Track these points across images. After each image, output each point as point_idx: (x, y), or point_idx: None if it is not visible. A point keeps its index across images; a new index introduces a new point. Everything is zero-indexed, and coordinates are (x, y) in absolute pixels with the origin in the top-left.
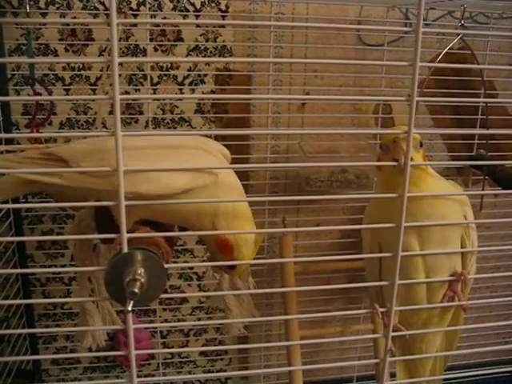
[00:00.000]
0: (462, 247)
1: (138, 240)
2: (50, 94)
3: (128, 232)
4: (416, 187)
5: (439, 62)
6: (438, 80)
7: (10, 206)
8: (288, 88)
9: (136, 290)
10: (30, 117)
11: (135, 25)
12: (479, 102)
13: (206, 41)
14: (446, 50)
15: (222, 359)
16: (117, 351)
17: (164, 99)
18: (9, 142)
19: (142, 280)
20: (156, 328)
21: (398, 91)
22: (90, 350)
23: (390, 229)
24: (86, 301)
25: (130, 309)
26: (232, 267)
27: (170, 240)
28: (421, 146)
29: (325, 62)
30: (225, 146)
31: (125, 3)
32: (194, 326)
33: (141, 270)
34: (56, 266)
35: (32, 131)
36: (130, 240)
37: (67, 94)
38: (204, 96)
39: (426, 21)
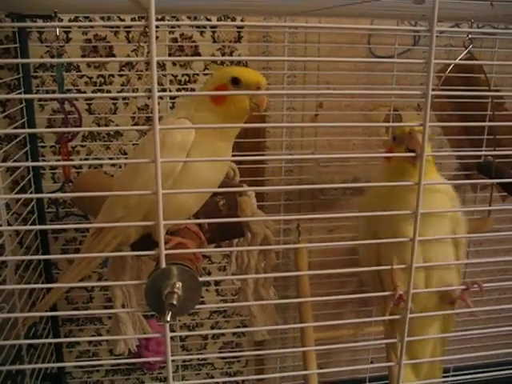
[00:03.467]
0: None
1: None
2: (77, 110)
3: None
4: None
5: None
6: (447, 89)
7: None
8: (302, 100)
9: (174, 302)
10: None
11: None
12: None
13: (223, 55)
14: (455, 61)
15: (238, 361)
16: (137, 354)
17: None
18: (34, 151)
19: (180, 293)
20: (175, 331)
21: (408, 101)
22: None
23: (387, 218)
24: (119, 309)
25: (168, 319)
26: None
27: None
28: None
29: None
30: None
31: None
32: (214, 331)
33: (178, 284)
34: None
35: (62, 146)
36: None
37: (89, 108)
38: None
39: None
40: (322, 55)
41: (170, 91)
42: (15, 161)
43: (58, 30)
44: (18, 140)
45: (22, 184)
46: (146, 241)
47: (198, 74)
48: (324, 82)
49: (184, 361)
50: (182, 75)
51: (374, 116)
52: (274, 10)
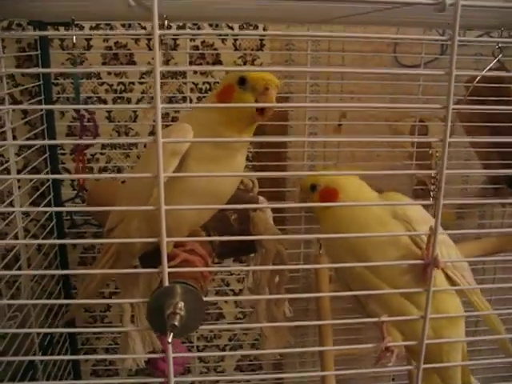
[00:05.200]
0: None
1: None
2: (94, 120)
3: (169, 256)
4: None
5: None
6: (475, 100)
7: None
8: (325, 110)
9: (176, 323)
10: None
11: (175, 48)
12: None
13: (244, 63)
14: (482, 73)
15: (257, 373)
16: (153, 364)
17: None
18: (53, 158)
19: (182, 313)
20: (193, 343)
21: (434, 111)
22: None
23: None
24: (128, 322)
25: (170, 340)
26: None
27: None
28: (314, 189)
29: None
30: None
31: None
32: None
33: (181, 304)
34: None
35: (79, 154)
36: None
37: (109, 116)
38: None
39: (463, 42)
40: (346, 64)
41: (191, 100)
42: (34, 167)
43: (74, 38)
44: (37, 147)
45: (40, 190)
46: (156, 253)
47: (218, 82)
48: (348, 91)
49: (201, 373)
50: (203, 83)
51: (400, 127)
52: (297, 17)
